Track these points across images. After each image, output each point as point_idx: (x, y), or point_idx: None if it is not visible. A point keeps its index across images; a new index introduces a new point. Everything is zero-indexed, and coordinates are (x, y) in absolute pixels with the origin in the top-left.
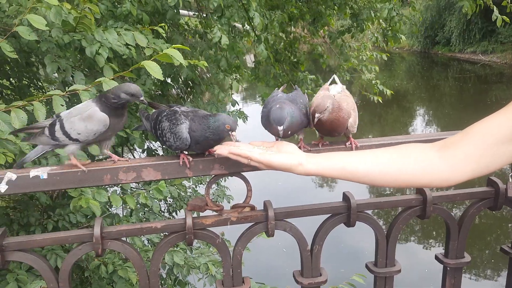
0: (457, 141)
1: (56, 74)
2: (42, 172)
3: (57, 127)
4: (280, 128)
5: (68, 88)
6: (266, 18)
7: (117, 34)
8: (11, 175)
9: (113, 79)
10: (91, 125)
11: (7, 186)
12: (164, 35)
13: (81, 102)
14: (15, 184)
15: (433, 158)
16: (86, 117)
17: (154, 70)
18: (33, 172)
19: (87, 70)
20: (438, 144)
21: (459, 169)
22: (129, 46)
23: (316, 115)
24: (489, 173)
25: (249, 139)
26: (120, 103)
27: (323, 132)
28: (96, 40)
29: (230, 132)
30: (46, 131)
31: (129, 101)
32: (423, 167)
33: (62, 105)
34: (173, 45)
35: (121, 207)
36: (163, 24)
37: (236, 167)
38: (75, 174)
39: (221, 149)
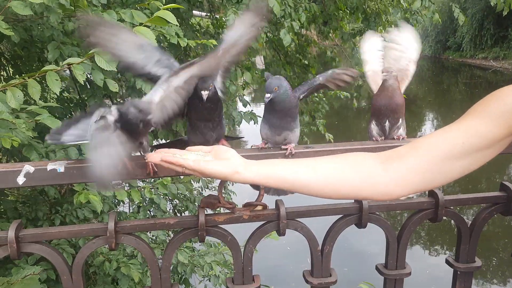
0: (403, 154)
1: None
2: (59, 166)
3: None
4: (267, 95)
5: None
6: (289, 6)
7: (116, 13)
8: (29, 167)
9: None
10: None
11: (25, 179)
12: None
13: (74, 76)
14: (32, 176)
15: (376, 170)
16: None
17: (146, 35)
18: (50, 165)
19: None
20: (383, 155)
21: (403, 183)
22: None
23: (383, 73)
24: (434, 188)
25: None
26: (126, 120)
27: (380, 103)
28: None
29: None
30: None
31: (135, 116)
32: (365, 179)
33: (57, 80)
34: (165, 6)
35: (127, 204)
36: None
37: None
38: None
39: (153, 157)
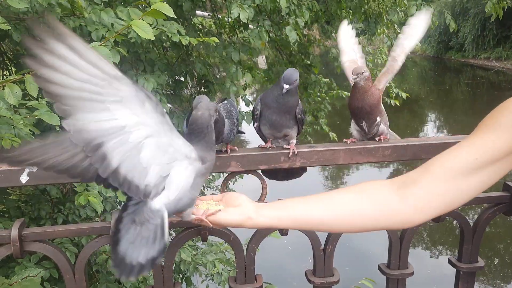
0: (417, 179)
1: None
2: None
3: None
4: (286, 86)
5: None
6: (293, 3)
7: (114, 12)
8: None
9: (102, 44)
10: None
11: (28, 177)
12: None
13: None
14: (36, 175)
15: (392, 199)
16: None
17: (143, 29)
18: None
19: None
20: (398, 181)
21: (422, 209)
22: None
23: (353, 77)
24: (454, 209)
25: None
26: None
27: (354, 106)
28: (102, 25)
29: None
30: None
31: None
32: (381, 209)
33: None
34: None
35: None
36: None
37: (252, 165)
38: None
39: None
